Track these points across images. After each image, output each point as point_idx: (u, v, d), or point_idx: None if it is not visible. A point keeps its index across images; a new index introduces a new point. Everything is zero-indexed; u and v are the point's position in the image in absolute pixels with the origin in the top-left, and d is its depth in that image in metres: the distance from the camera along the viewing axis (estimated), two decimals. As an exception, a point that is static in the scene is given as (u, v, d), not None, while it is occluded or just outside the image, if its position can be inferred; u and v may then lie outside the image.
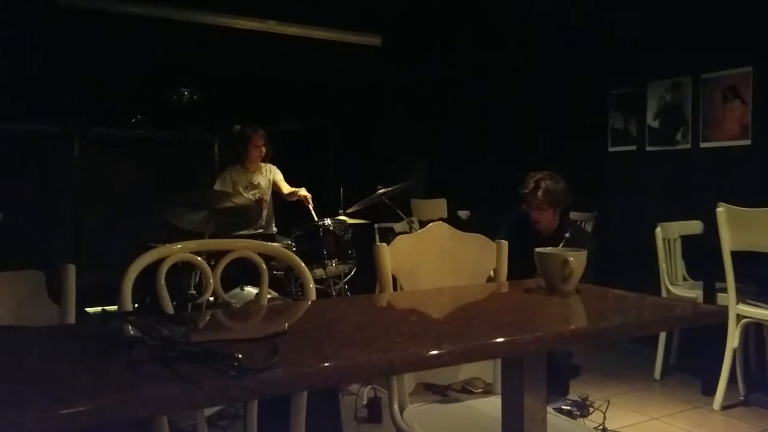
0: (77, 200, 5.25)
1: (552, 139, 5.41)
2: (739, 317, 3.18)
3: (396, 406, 1.80)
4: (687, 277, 3.98)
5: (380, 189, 4.10)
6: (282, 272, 3.76)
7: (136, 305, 1.55)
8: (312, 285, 1.74)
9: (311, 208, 4.19)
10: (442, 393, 3.08)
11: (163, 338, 1.01)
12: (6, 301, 1.53)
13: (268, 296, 1.82)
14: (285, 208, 4.58)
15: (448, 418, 1.86)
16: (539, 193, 3.22)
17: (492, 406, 1.85)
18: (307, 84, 5.70)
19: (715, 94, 4.29)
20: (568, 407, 3.08)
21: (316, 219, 4.00)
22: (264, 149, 4.32)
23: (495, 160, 5.73)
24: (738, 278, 3.15)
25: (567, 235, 3.02)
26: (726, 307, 3.18)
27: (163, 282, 1.61)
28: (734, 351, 3.21)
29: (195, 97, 5.50)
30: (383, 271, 1.83)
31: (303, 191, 4.29)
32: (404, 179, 4.48)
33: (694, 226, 3.97)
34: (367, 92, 6.07)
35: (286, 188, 4.40)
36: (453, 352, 1.06)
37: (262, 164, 4.41)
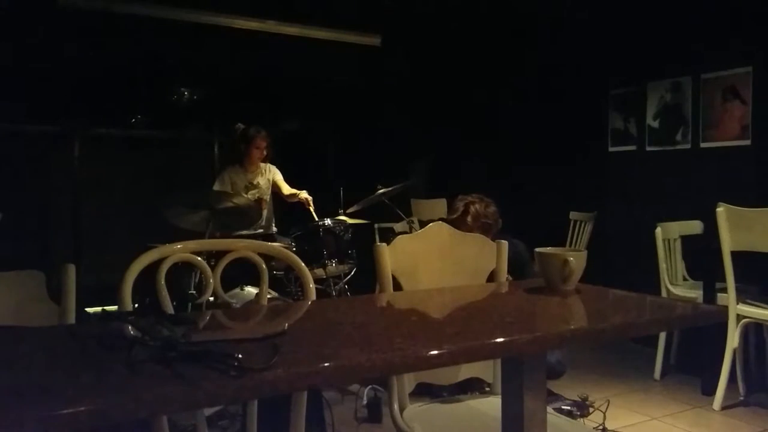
0: (77, 200, 5.24)
1: (552, 139, 5.41)
2: (739, 317, 3.18)
3: (396, 406, 1.81)
4: (687, 277, 3.98)
5: (380, 189, 4.10)
6: (282, 272, 3.76)
7: (136, 305, 1.55)
8: (312, 285, 1.74)
9: (312, 210, 4.19)
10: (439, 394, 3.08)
11: (163, 338, 1.01)
12: (6, 301, 1.53)
13: (268, 296, 1.82)
14: (285, 208, 4.58)
15: (448, 418, 1.86)
16: (468, 219, 3.06)
17: (492, 406, 1.85)
18: (307, 84, 5.69)
19: (715, 94, 4.29)
20: (568, 407, 3.08)
21: (316, 219, 4.01)
22: (266, 151, 4.32)
23: (495, 160, 5.73)
24: (738, 278, 3.15)
25: None
26: (726, 307, 3.19)
27: (163, 282, 1.61)
28: (734, 351, 3.21)
29: (195, 97, 5.50)
30: (383, 271, 1.83)
31: (304, 194, 4.28)
32: (404, 179, 4.48)
33: (694, 226, 3.97)
34: (367, 92, 6.06)
35: (287, 189, 4.40)
36: (453, 352, 1.06)
37: (262, 164, 4.41)
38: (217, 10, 5.22)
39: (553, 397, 3.16)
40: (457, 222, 3.10)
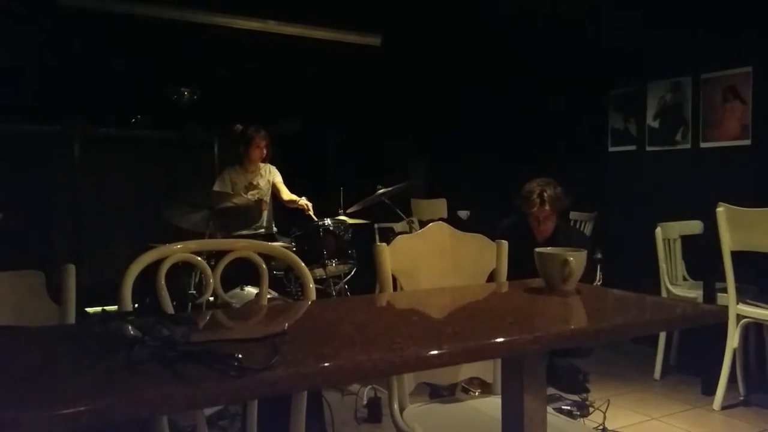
0: (77, 200, 5.25)
1: (552, 139, 5.41)
2: (739, 317, 3.18)
3: (396, 406, 1.81)
4: (687, 277, 3.98)
5: (380, 189, 4.10)
6: (282, 272, 3.76)
7: (136, 305, 1.54)
8: (312, 285, 1.74)
9: (312, 214, 4.18)
10: (440, 394, 3.08)
11: (163, 338, 1.01)
12: (6, 301, 1.53)
13: (268, 296, 1.82)
14: (285, 208, 4.59)
15: (448, 418, 1.86)
16: (547, 207, 3.18)
17: (492, 406, 1.85)
18: (307, 84, 5.70)
19: (715, 94, 4.29)
20: (568, 407, 3.08)
21: (315, 219, 4.01)
22: (266, 150, 4.32)
23: (495, 160, 5.73)
24: (738, 278, 3.15)
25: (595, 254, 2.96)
26: (726, 307, 3.19)
27: (163, 282, 1.61)
28: (734, 351, 3.21)
29: (195, 97, 5.50)
30: (383, 271, 1.83)
31: (303, 200, 4.27)
32: (404, 179, 4.48)
33: (694, 226, 3.97)
34: (367, 92, 6.07)
35: (286, 195, 4.39)
36: (453, 352, 1.06)
37: (262, 165, 4.40)
38: (217, 10, 5.22)
39: (554, 395, 3.16)
40: (538, 212, 3.20)
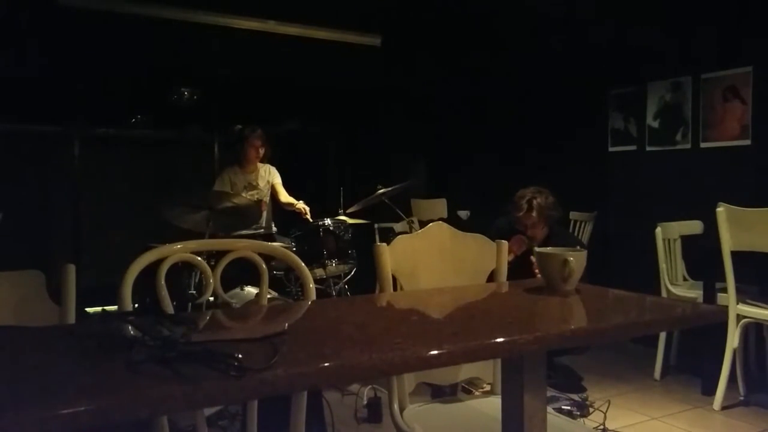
0: (77, 200, 5.24)
1: (552, 140, 5.41)
2: (739, 317, 3.18)
3: (396, 406, 1.80)
4: (687, 277, 3.98)
5: (380, 189, 4.10)
6: (282, 272, 3.76)
7: (136, 305, 1.54)
8: (312, 285, 1.74)
9: (308, 218, 4.17)
10: (441, 394, 3.08)
11: (163, 338, 1.01)
12: (6, 301, 1.53)
13: (268, 296, 1.82)
14: (284, 209, 4.58)
15: (448, 418, 1.86)
16: (534, 214, 3.22)
17: (492, 406, 1.85)
18: (307, 84, 5.69)
19: (715, 94, 4.29)
20: (568, 407, 3.08)
21: (311, 220, 4.01)
22: (262, 150, 4.31)
23: (495, 160, 5.73)
24: (738, 278, 3.15)
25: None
26: (726, 307, 3.19)
27: (163, 282, 1.61)
28: (734, 351, 3.21)
29: (195, 97, 5.50)
30: (383, 271, 1.83)
31: (301, 204, 4.26)
32: (404, 179, 4.48)
33: (694, 226, 3.97)
34: (367, 92, 6.06)
35: (285, 197, 4.38)
36: (453, 352, 1.06)
37: (261, 165, 4.40)
38: (217, 10, 5.22)
39: (554, 395, 3.16)
40: (525, 218, 3.25)
